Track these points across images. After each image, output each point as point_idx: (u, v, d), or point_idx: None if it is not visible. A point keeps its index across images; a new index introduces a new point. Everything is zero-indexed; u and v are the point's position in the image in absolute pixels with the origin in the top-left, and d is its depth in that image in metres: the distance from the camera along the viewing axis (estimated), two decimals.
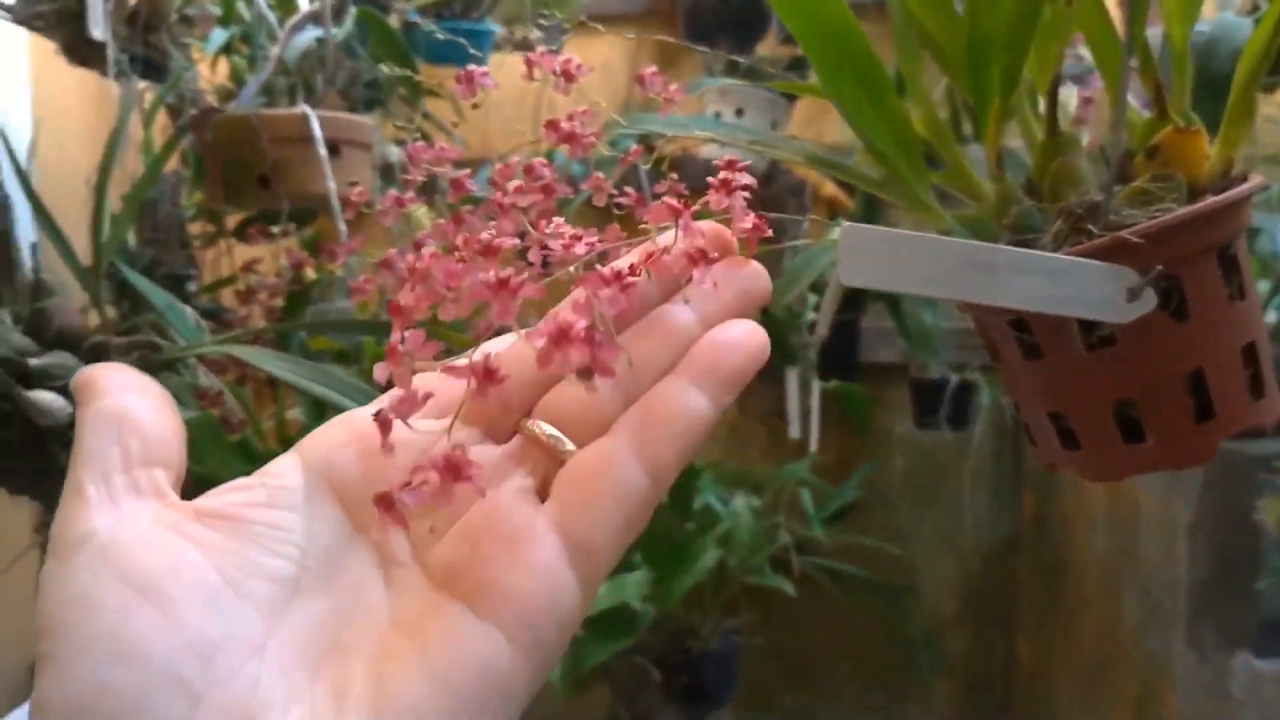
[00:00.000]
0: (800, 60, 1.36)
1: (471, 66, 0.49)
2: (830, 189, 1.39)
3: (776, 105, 1.27)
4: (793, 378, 1.21)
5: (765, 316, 1.32)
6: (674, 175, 0.49)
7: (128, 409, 0.26)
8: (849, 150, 1.55)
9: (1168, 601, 1.51)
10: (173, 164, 1.32)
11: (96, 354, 0.81)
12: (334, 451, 0.28)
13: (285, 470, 0.27)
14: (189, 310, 0.78)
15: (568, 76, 0.43)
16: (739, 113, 1.23)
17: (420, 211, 1.37)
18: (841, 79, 0.39)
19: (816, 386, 1.27)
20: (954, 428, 1.63)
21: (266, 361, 0.69)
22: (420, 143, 0.45)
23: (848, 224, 0.33)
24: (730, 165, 0.29)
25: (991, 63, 0.38)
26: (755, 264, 0.30)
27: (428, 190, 1.47)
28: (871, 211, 1.24)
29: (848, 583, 1.64)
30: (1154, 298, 0.37)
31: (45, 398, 0.79)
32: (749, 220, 0.29)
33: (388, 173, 1.12)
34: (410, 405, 0.26)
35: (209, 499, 0.26)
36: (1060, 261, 0.36)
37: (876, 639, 1.82)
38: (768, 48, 1.37)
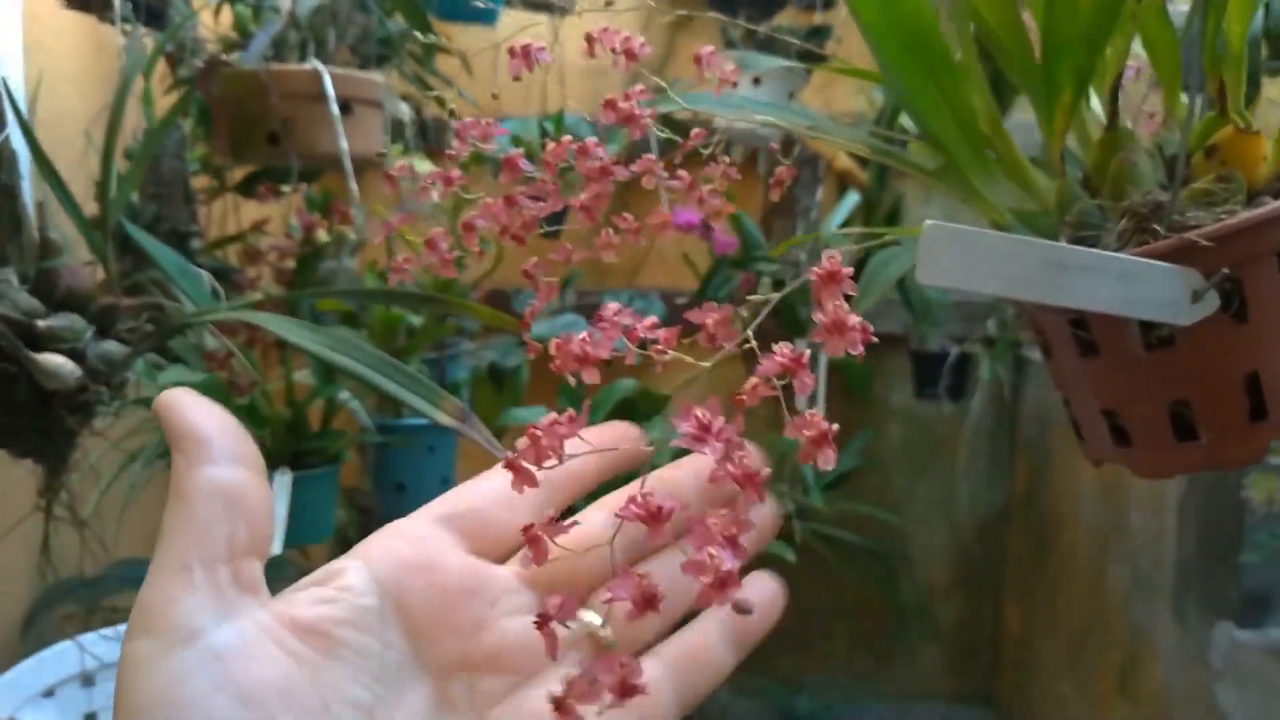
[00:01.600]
0: (819, 30, 1.34)
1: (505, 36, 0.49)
2: (843, 161, 1.38)
3: (794, 74, 1.26)
4: (801, 350, 1.21)
5: (778, 290, 1.32)
6: (725, 158, 0.49)
7: (244, 490, 0.26)
8: (861, 120, 1.53)
9: (1154, 573, 1.54)
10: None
11: (105, 316, 0.80)
12: (405, 575, 0.28)
13: (359, 586, 0.27)
14: (204, 274, 0.76)
15: (629, 55, 0.42)
16: (756, 81, 1.22)
17: (424, 165, 1.36)
18: (911, 69, 0.39)
19: (823, 359, 1.27)
20: (952, 399, 1.65)
21: (284, 329, 0.68)
22: (469, 118, 0.44)
23: (930, 222, 0.33)
24: (834, 261, 0.28)
25: (1065, 58, 0.37)
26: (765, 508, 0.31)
27: (430, 141, 1.44)
28: (882, 186, 1.23)
29: (843, 549, 1.66)
30: (1216, 299, 0.37)
31: (53, 360, 0.77)
32: (855, 319, 0.29)
33: (398, 130, 1.10)
34: (557, 528, 0.26)
35: (300, 609, 0.26)
36: (1130, 263, 0.36)
37: (870, 604, 1.84)
38: (786, 16, 1.35)
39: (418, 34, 1.05)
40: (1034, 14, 0.41)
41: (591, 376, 0.31)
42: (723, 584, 0.24)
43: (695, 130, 0.43)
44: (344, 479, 1.13)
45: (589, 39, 0.43)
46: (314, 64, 0.93)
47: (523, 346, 1.49)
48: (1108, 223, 0.40)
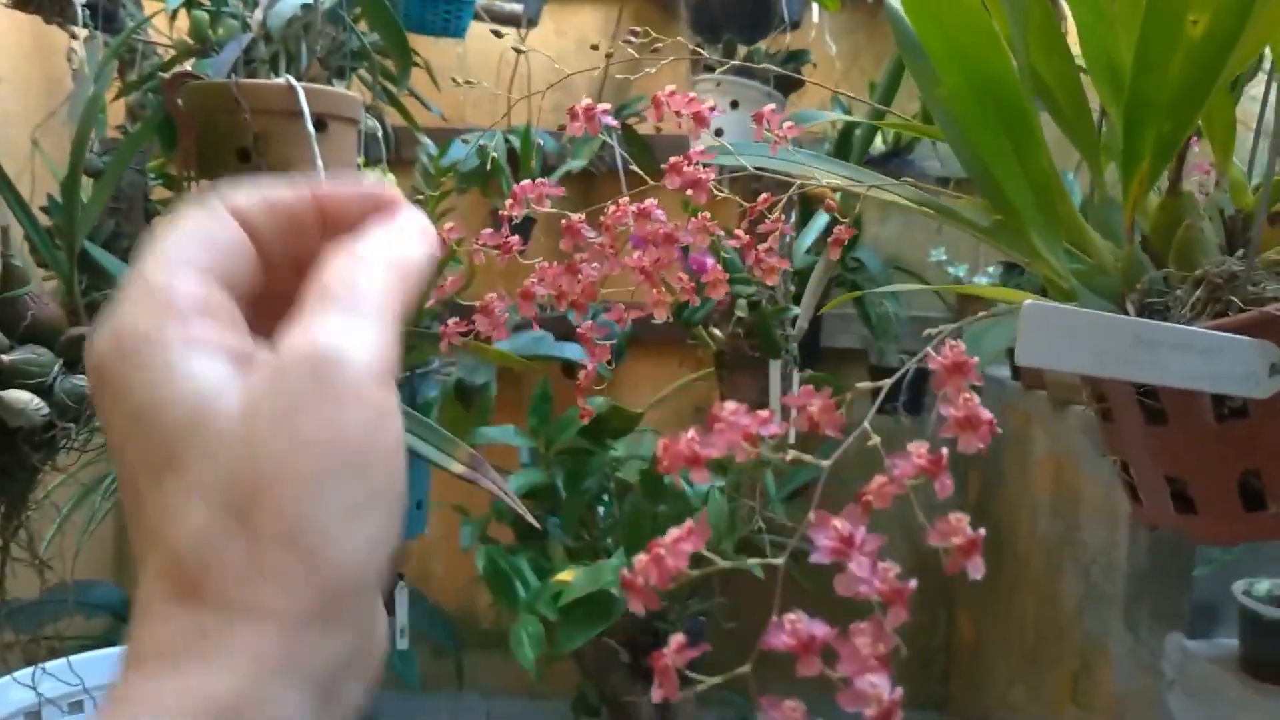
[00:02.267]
0: (796, 54, 1.34)
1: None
2: (819, 188, 1.38)
3: (773, 99, 1.25)
4: (775, 371, 1.21)
5: (754, 312, 1.33)
6: (764, 196, 0.47)
7: None
8: (824, 140, 1.54)
9: (1106, 584, 1.57)
10: (119, 118, 1.24)
11: (74, 348, 0.75)
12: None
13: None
14: None
15: (699, 120, 0.41)
16: (734, 105, 1.21)
17: (390, 179, 1.32)
18: (990, 130, 0.38)
19: (797, 378, 1.27)
20: (911, 413, 1.66)
21: None
22: (525, 181, 0.42)
23: (1030, 302, 0.32)
24: (958, 351, 0.27)
25: (1149, 126, 0.37)
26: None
27: (392, 153, 1.40)
28: (858, 219, 1.23)
29: (804, 560, 1.66)
30: None
31: (19, 397, 0.73)
32: (987, 415, 0.28)
33: (369, 145, 1.07)
34: None
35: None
36: (1214, 338, 0.36)
37: (831, 614, 1.86)
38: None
39: (390, 48, 1.02)
40: (1100, 80, 0.41)
41: (701, 478, 0.29)
42: (886, 715, 0.23)
43: (763, 195, 0.42)
44: None
45: (655, 102, 0.41)
46: (288, 79, 0.89)
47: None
48: (1175, 290, 0.40)
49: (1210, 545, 0.39)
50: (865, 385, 0.33)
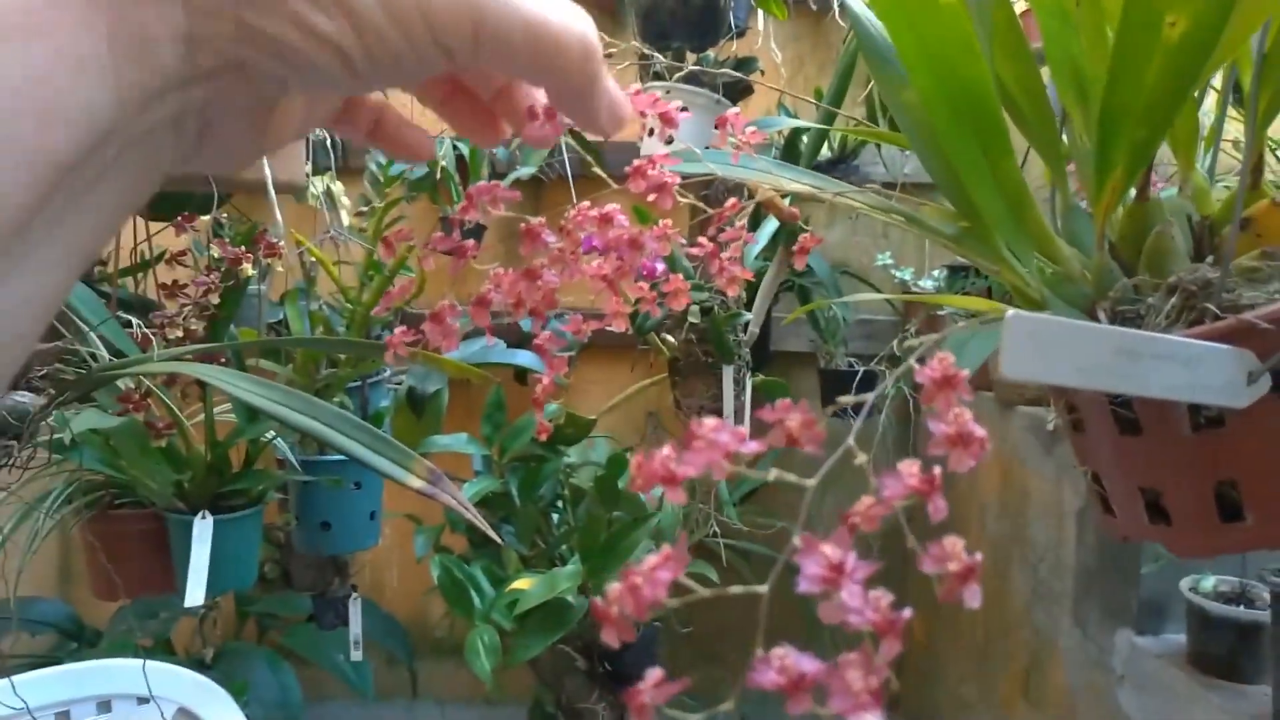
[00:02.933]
0: (744, 62, 1.34)
1: None
2: (766, 192, 1.38)
3: (722, 106, 1.25)
4: (728, 375, 1.21)
5: (707, 318, 1.33)
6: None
7: None
8: (768, 146, 1.54)
9: (1055, 581, 1.60)
10: None
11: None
12: None
13: None
14: (136, 324, 0.70)
15: (667, 120, 0.40)
16: (683, 109, 1.20)
17: (337, 187, 1.29)
18: (963, 139, 0.38)
19: (749, 382, 1.27)
20: (859, 415, 1.68)
21: (231, 384, 0.63)
22: (482, 183, 0.41)
23: (1013, 312, 0.32)
24: (946, 364, 0.27)
25: (1123, 133, 0.37)
26: None
27: (341, 160, 1.38)
28: (805, 223, 1.24)
29: (756, 562, 1.67)
30: (1268, 380, 0.38)
31: None
32: (981, 431, 0.28)
33: (317, 153, 1.05)
34: None
35: None
36: (1194, 348, 0.36)
37: (786, 616, 1.87)
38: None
39: None
40: (1064, 85, 0.41)
41: (676, 497, 0.28)
42: None
43: (731, 201, 0.42)
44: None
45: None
46: None
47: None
48: (1147, 298, 0.41)
49: (1187, 557, 0.39)
50: (846, 399, 0.33)
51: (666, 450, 0.29)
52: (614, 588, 0.28)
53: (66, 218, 0.24)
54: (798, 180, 0.47)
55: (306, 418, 0.60)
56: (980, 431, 0.28)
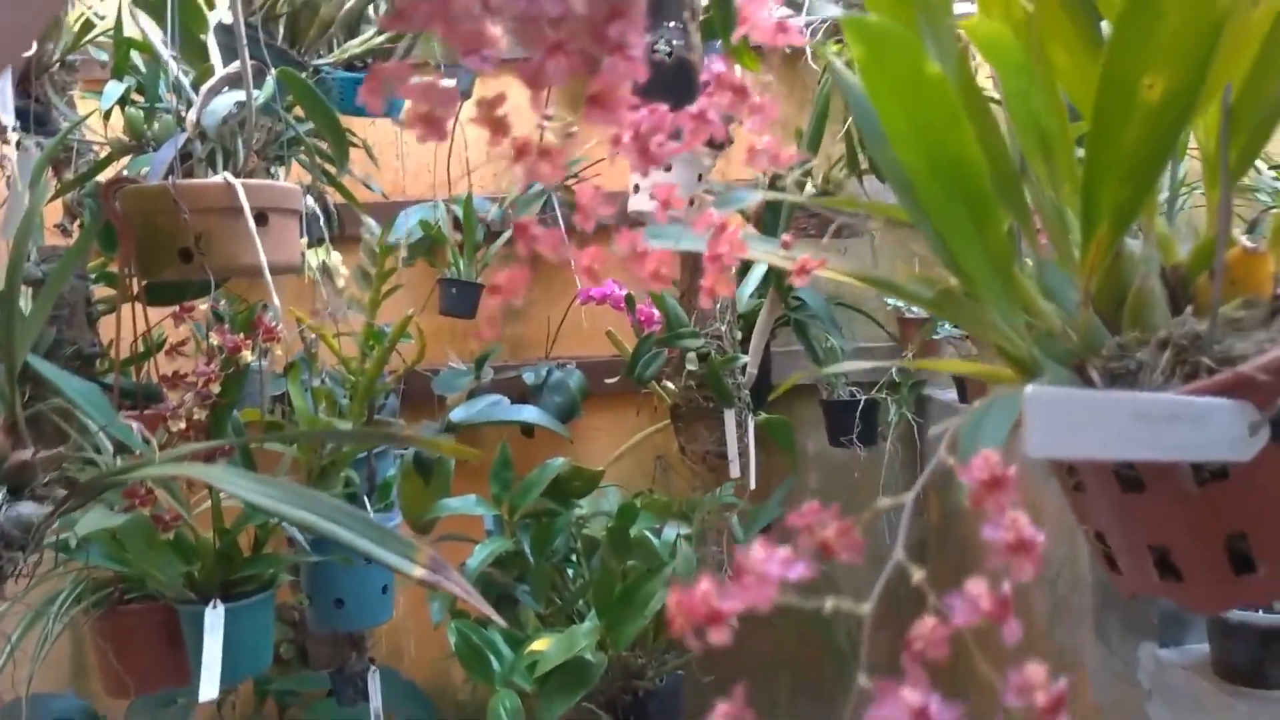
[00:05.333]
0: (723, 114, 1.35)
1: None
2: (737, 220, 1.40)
3: (702, 159, 1.27)
4: (730, 418, 1.21)
5: (704, 364, 1.33)
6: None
7: None
8: (757, 184, 1.56)
9: (1074, 597, 1.59)
10: (56, 216, 1.21)
11: (19, 475, 0.72)
12: None
13: None
14: (134, 425, 0.70)
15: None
16: (667, 168, 1.22)
17: (335, 258, 1.30)
18: (950, 206, 0.39)
19: (751, 424, 1.28)
20: (865, 444, 1.68)
21: (236, 485, 0.63)
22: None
23: (1033, 388, 0.32)
24: (993, 462, 0.26)
25: (1105, 193, 0.38)
26: None
27: (334, 230, 1.39)
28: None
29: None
30: (1268, 431, 0.38)
31: None
32: (1040, 537, 0.27)
33: (311, 225, 1.06)
34: None
35: None
36: (1200, 405, 0.36)
37: (810, 653, 1.86)
38: None
39: (326, 135, 1.01)
40: (1030, 145, 0.42)
41: (720, 637, 0.27)
42: None
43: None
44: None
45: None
46: (226, 177, 0.88)
47: (449, 432, 1.44)
48: (1135, 354, 0.41)
49: (1203, 613, 0.39)
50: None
51: (705, 584, 0.27)
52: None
53: None
54: (771, 253, 0.48)
55: (306, 513, 0.61)
56: (1039, 536, 0.28)
